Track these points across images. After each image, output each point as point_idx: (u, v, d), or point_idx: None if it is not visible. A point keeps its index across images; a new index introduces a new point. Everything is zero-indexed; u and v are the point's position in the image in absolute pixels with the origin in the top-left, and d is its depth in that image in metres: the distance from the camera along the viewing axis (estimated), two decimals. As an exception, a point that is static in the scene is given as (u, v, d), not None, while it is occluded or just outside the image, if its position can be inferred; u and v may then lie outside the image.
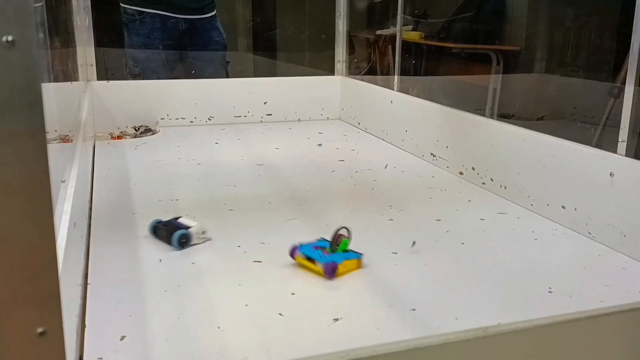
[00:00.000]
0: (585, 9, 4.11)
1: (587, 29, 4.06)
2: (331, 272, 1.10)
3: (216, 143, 2.14)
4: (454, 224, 1.39)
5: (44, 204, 0.50)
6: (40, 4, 1.02)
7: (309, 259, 1.13)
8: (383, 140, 2.22)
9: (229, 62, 3.03)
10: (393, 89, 2.25)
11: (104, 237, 1.27)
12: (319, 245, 1.17)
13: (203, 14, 2.89)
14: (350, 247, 1.17)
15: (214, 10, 2.95)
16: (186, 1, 2.82)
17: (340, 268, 1.11)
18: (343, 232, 1.17)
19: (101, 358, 0.84)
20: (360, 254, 1.16)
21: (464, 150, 1.75)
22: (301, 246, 1.16)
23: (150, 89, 2.41)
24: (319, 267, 1.11)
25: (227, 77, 3.00)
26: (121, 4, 2.85)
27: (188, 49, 2.89)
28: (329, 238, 1.17)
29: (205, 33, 2.92)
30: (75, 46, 1.99)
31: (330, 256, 1.13)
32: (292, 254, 1.16)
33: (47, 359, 0.52)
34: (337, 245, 1.16)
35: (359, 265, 1.15)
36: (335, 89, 2.62)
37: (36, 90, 0.48)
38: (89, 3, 2.26)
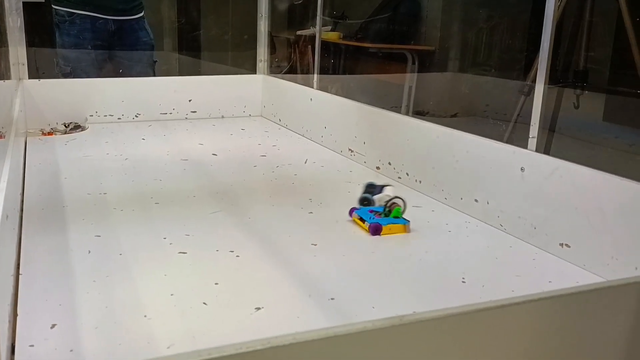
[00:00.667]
0: (497, 11, 4.21)
1: (499, 29, 4.15)
2: (374, 231, 1.28)
3: (143, 139, 2.14)
4: (371, 216, 1.43)
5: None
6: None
7: (361, 219, 1.33)
8: (303, 136, 2.25)
9: (156, 61, 3.03)
10: (313, 87, 2.28)
11: (35, 230, 1.28)
12: (375, 210, 1.35)
13: (131, 15, 2.90)
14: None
15: (142, 12, 2.96)
16: (115, 3, 2.83)
17: (384, 229, 1.29)
18: (398, 201, 1.33)
19: (32, 345, 0.85)
20: (408, 220, 1.32)
21: (380, 146, 1.79)
22: (360, 209, 1.36)
23: (80, 87, 2.39)
24: (365, 226, 1.30)
25: (154, 75, 3.00)
26: (53, 6, 2.85)
27: (117, 48, 2.90)
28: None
29: (134, 33, 2.93)
30: (7, 46, 1.98)
31: (378, 219, 1.30)
32: (350, 213, 1.37)
33: (-19, 346, 0.53)
34: (390, 212, 1.33)
35: (406, 230, 1.32)
36: (257, 87, 2.64)
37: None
38: (20, 5, 2.24)
